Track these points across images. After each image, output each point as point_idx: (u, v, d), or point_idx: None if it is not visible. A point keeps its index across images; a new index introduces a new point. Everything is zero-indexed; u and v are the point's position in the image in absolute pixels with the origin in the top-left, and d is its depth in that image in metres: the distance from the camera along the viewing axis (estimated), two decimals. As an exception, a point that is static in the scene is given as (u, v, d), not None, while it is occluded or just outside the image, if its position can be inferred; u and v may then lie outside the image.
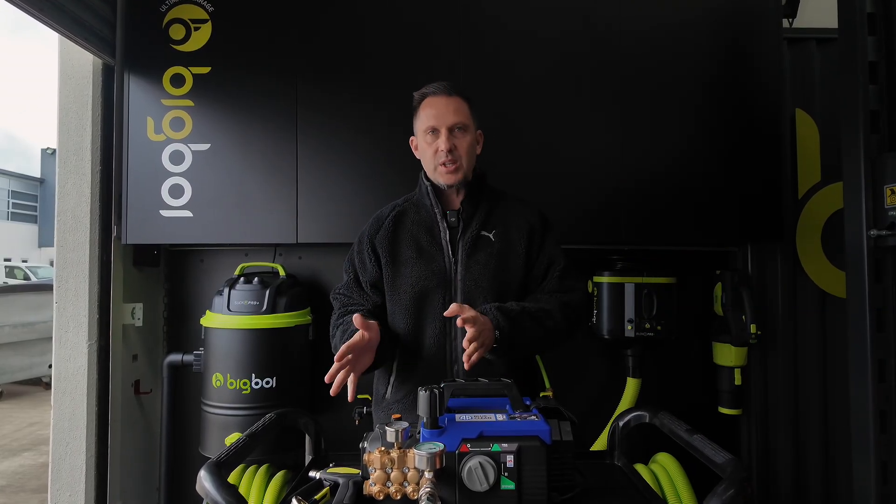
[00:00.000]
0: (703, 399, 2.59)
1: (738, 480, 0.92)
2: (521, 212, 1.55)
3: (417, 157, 1.58)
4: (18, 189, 24.84)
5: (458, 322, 1.25)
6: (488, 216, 1.52)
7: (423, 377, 1.41)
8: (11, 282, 12.64)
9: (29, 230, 24.69)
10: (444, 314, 1.28)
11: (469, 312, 1.24)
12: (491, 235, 1.50)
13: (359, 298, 1.55)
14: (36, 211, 25.20)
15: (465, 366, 1.26)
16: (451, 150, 1.44)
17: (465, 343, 1.24)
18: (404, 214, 1.56)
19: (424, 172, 1.56)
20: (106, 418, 2.32)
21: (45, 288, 6.79)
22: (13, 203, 24.32)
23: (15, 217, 24.25)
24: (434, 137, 1.46)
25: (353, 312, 1.43)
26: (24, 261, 20.70)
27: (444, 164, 1.45)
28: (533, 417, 1.05)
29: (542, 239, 1.53)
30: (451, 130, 1.45)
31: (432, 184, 1.52)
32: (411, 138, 1.59)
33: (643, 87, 2.37)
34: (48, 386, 6.64)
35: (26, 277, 14.24)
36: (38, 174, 25.64)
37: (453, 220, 1.51)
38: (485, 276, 1.46)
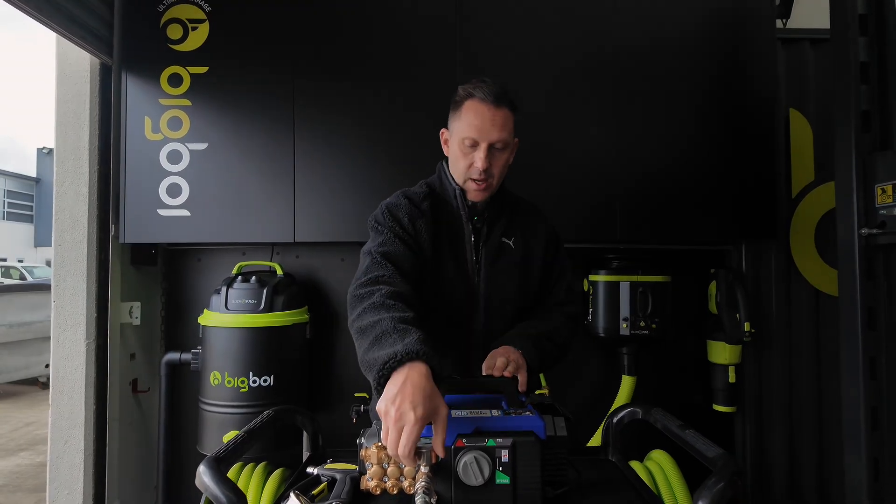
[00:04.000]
0: (697, 396, 2.61)
1: (728, 474, 0.94)
2: (538, 221, 1.51)
3: (446, 152, 1.45)
4: (14, 189, 24.75)
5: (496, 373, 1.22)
6: (510, 223, 1.46)
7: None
8: (7, 281, 12.58)
9: (25, 230, 24.60)
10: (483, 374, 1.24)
11: (500, 366, 1.22)
12: (511, 242, 1.44)
13: (404, 290, 1.24)
14: (32, 211, 25.11)
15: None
16: (486, 169, 1.33)
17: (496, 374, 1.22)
18: (437, 207, 1.42)
19: (448, 170, 1.45)
20: (104, 417, 2.33)
21: (42, 288, 6.77)
22: (9, 203, 24.23)
23: (11, 217, 24.17)
24: (471, 150, 1.34)
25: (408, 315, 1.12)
26: (20, 260, 20.63)
27: (474, 180, 1.36)
28: (528, 413, 1.06)
29: (555, 250, 1.52)
30: (490, 147, 1.33)
31: (461, 187, 1.41)
32: (442, 130, 1.44)
33: (638, 87, 2.39)
34: (44, 386, 6.63)
35: (22, 277, 14.18)
36: (34, 174, 25.54)
37: (479, 224, 1.43)
38: (509, 284, 1.42)
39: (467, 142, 1.34)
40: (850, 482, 1.86)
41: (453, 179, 1.42)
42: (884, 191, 1.73)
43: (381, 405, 0.95)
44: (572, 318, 1.49)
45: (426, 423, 0.93)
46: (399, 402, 0.93)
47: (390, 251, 1.31)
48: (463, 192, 1.41)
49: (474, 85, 1.35)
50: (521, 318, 1.45)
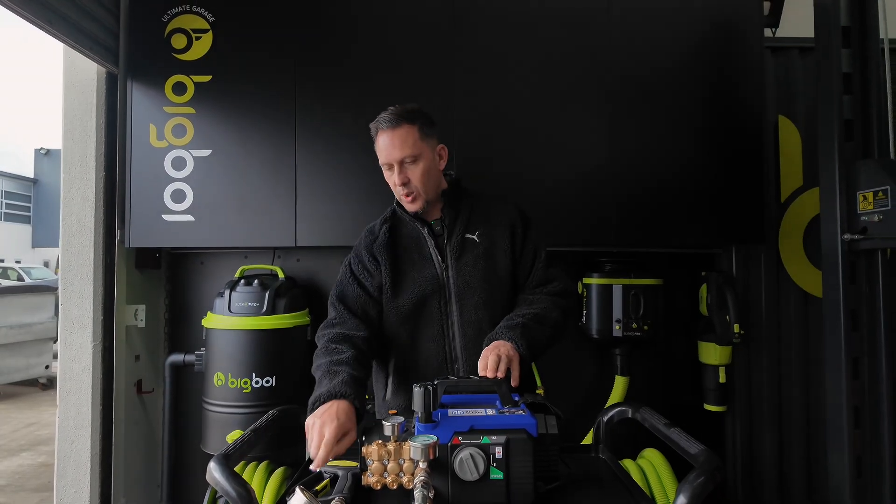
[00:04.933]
0: (689, 396, 2.67)
1: (708, 469, 0.99)
2: (501, 210, 1.60)
3: None
4: (11, 189, 24.70)
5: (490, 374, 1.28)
6: (470, 219, 1.58)
7: (422, 379, 1.46)
8: (5, 282, 12.58)
9: (22, 230, 24.53)
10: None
11: (493, 364, 1.28)
12: (475, 237, 1.56)
13: (352, 326, 1.50)
14: (29, 211, 25.06)
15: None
16: (405, 184, 1.49)
17: (490, 374, 1.28)
18: (395, 227, 1.61)
19: None
20: (110, 417, 2.38)
21: (42, 289, 6.81)
22: (6, 203, 24.18)
23: (8, 217, 24.11)
24: (390, 172, 1.52)
25: (343, 349, 1.40)
26: (18, 261, 20.59)
27: (403, 195, 1.52)
28: (520, 412, 1.12)
29: (523, 234, 1.59)
30: (401, 164, 1.49)
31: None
32: None
33: (631, 94, 2.45)
34: (45, 387, 6.66)
35: (20, 278, 14.17)
36: (31, 174, 25.49)
37: (438, 228, 1.57)
38: (475, 277, 1.53)
39: (385, 167, 1.53)
40: (833, 479, 1.93)
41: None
42: (865, 198, 1.80)
43: (309, 420, 1.20)
44: (559, 294, 1.55)
45: (337, 437, 1.15)
46: (319, 423, 1.17)
47: (342, 292, 1.58)
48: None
49: (378, 118, 1.52)
50: (496, 305, 1.53)
